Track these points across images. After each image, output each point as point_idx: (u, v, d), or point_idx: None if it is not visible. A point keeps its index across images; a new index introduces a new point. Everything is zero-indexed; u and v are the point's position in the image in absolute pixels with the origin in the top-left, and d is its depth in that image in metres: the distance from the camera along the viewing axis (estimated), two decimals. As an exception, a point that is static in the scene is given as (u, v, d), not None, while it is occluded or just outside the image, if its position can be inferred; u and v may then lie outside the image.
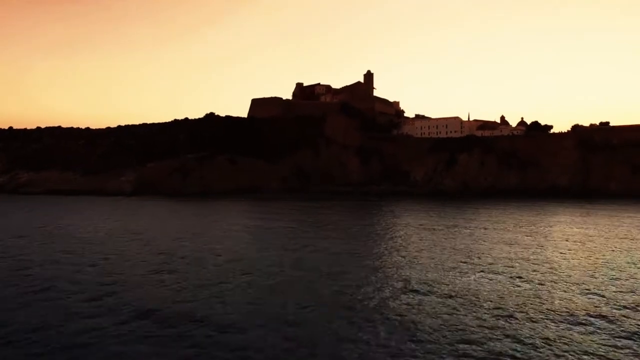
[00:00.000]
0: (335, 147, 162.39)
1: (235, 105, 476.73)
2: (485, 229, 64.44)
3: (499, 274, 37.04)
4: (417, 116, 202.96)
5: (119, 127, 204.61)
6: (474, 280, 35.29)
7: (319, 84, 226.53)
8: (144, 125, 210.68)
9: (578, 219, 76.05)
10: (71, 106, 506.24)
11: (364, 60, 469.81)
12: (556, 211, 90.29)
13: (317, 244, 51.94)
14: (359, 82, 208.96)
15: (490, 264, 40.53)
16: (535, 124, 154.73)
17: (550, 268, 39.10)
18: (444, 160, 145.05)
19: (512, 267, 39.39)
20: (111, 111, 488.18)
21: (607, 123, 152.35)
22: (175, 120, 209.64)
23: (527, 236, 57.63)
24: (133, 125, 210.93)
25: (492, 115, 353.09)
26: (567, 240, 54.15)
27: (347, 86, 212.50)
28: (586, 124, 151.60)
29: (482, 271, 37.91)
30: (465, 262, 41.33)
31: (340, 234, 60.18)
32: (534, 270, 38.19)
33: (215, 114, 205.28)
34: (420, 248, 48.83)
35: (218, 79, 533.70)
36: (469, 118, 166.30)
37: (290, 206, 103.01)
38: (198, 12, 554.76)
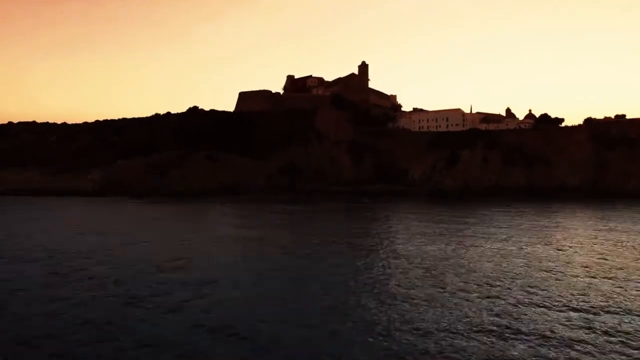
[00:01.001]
0: (326, 143, 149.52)
1: (225, 100, 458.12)
2: (501, 240, 51.80)
3: (547, 307, 24.34)
4: (415, 110, 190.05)
5: (97, 122, 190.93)
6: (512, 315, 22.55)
7: (310, 76, 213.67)
8: (124, 120, 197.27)
9: (611, 224, 63.44)
10: (61, 102, 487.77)
11: (360, 54, 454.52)
12: (576, 214, 77.79)
13: (294, 264, 39.34)
14: (352, 74, 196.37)
15: (529, 295, 27.89)
16: (545, 116, 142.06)
17: (609, 301, 26.54)
18: (444, 157, 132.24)
19: (564, 297, 26.80)
20: (95, 106, 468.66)
21: (623, 116, 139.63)
22: (157, 114, 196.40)
23: (556, 250, 45.04)
24: (112, 120, 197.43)
25: (496, 108, 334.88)
26: (610, 257, 41.47)
27: (340, 78, 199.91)
28: (599, 117, 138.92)
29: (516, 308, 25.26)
30: (491, 293, 28.70)
31: (324, 248, 47.54)
32: (585, 304, 25.64)
33: (199, 107, 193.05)
34: (426, 269, 36.31)
35: (205, 73, 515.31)
36: (471, 110, 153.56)
37: (271, 209, 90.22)
38: (188, 6, 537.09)
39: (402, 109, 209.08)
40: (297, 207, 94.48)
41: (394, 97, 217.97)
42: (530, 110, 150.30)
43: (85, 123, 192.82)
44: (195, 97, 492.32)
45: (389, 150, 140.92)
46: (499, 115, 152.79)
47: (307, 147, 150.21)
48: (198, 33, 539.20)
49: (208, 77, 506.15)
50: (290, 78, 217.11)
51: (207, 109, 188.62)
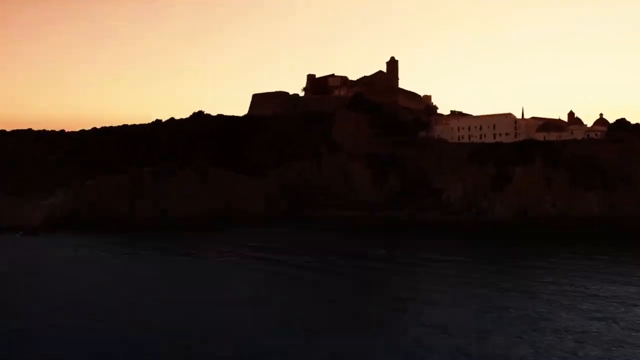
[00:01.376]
0: (342, 155, 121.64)
1: (242, 102, 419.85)
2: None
3: None
4: (453, 113, 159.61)
5: (82, 130, 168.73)
6: None
7: (332, 75, 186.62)
8: (124, 127, 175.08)
9: None
10: (58, 107, 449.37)
11: (389, 50, 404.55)
12: None
13: None
14: (379, 72, 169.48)
15: None
16: (622, 122, 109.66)
17: None
18: (491, 174, 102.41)
19: None
20: (98, 111, 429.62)
21: None
22: (157, 120, 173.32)
23: None
24: (111, 127, 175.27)
25: (555, 112, 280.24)
26: None
27: (365, 77, 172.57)
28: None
29: None
30: None
31: None
32: None
33: (205, 112, 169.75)
34: None
35: (222, 74, 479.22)
36: (523, 115, 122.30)
37: (245, 263, 63.66)
38: (203, 6, 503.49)
39: (438, 111, 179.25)
40: (296, 253, 67.49)
41: (428, 97, 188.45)
42: (601, 115, 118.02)
43: (71, 133, 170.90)
44: (207, 101, 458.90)
45: (419, 165, 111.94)
46: (560, 121, 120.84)
47: (318, 160, 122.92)
48: (213, 32, 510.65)
49: (224, 79, 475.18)
50: (310, 77, 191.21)
51: (217, 113, 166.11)
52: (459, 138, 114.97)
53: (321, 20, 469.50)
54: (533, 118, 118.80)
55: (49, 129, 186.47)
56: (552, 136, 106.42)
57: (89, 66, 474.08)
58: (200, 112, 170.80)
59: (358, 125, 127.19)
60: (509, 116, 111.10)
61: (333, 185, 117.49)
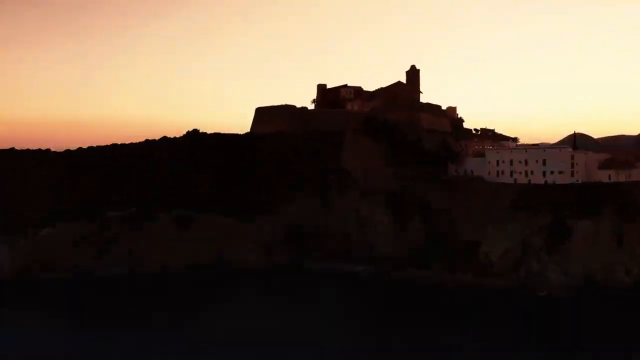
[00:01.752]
0: (354, 194, 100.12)
1: (245, 116, 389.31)
2: None
3: None
4: (485, 132, 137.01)
5: (68, 151, 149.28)
6: None
7: (345, 85, 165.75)
8: (114, 147, 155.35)
9: None
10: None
11: (408, 58, 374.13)
12: None
13: None
14: (398, 83, 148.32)
15: None
16: None
17: None
18: (543, 226, 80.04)
19: None
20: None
21: None
22: (147, 140, 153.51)
23: None
24: (98, 147, 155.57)
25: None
26: None
27: (382, 88, 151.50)
28: None
29: None
30: None
31: None
32: None
33: (200, 130, 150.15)
34: None
35: (220, 82, 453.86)
36: (575, 142, 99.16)
37: None
38: (206, 9, 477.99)
39: (465, 125, 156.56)
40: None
41: (452, 109, 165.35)
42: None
43: (48, 151, 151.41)
44: (206, 117, 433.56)
45: (447, 210, 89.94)
46: (627, 154, 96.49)
47: (324, 198, 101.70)
48: (219, 37, 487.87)
49: (225, 88, 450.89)
50: (321, 88, 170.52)
51: (216, 129, 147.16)
52: (497, 174, 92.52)
53: (333, 26, 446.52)
54: (593, 151, 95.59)
55: (35, 148, 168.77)
56: (621, 176, 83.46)
57: (86, 72, 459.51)
58: (196, 131, 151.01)
59: (372, 156, 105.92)
60: (563, 150, 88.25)
61: (342, 231, 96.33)
